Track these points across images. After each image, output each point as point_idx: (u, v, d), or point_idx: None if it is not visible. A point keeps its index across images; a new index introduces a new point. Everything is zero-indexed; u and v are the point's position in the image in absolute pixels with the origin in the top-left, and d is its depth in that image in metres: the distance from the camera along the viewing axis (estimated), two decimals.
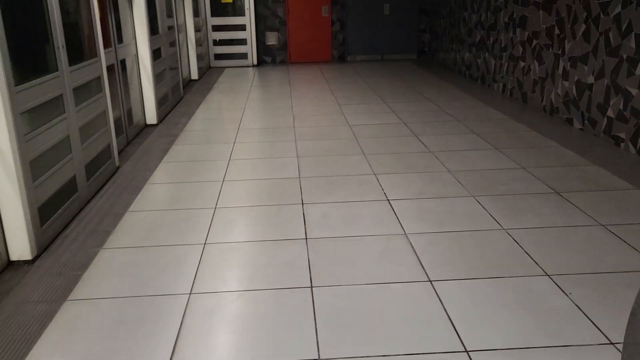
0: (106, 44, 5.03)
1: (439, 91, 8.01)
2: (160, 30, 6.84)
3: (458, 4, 9.43)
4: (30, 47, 3.37)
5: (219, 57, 11.34)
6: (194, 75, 9.63)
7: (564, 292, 2.71)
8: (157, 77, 6.53)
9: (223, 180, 4.46)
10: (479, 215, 3.64)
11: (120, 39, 5.65)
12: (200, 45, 10.25)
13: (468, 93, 7.82)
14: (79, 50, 4.15)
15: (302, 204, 3.92)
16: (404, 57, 11.70)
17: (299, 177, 4.48)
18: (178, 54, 7.86)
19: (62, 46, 3.66)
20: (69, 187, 3.69)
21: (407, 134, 5.73)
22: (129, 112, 5.80)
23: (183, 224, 3.61)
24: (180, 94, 7.89)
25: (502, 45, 7.64)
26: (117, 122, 5.30)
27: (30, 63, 3.37)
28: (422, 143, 5.38)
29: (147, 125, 6.33)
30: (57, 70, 3.59)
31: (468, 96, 7.60)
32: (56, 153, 3.53)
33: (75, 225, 3.63)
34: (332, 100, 7.57)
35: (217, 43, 11.26)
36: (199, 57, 9.92)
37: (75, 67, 3.93)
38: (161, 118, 6.57)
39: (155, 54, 6.56)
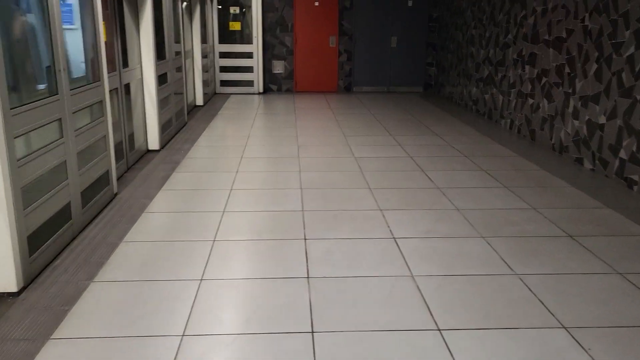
0: (111, 68, 4.95)
1: (445, 125, 7.91)
2: (167, 55, 6.79)
3: (466, 39, 9.42)
4: (30, 69, 3.27)
5: (224, 83, 11.32)
6: (199, 101, 9.58)
7: (582, 347, 2.53)
8: (162, 103, 6.44)
9: (223, 211, 4.31)
10: (490, 258, 3.47)
11: (125, 63, 5.59)
12: (207, 72, 10.23)
13: (475, 128, 7.72)
14: (82, 74, 4.06)
15: (305, 239, 3.76)
16: (410, 90, 11.67)
17: (302, 211, 4.33)
18: (184, 80, 7.80)
19: (64, 69, 3.56)
20: (63, 215, 3.55)
21: (414, 169, 5.59)
22: (131, 137, 5.70)
23: (179, 258, 3.45)
24: (184, 120, 7.80)
25: (511, 82, 7.57)
26: (118, 147, 5.19)
27: (28, 85, 3.27)
28: (429, 178, 5.24)
29: (149, 151, 6.21)
30: (57, 94, 3.48)
31: (475, 131, 7.50)
32: (51, 178, 3.40)
33: (67, 255, 3.47)
34: (338, 131, 7.47)
35: (223, 70, 11.25)
36: (205, 83, 9.89)
37: (77, 90, 3.82)
38: (163, 144, 6.46)
39: (161, 79, 6.49)
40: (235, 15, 11.18)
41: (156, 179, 5.16)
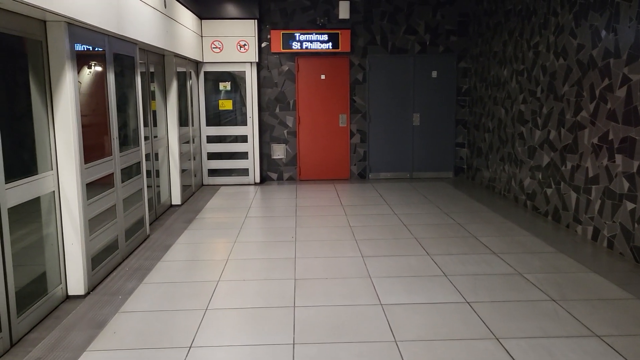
0: None
1: (499, 233, 5.78)
2: (113, 150, 4.85)
3: (512, 117, 7.46)
4: None
5: (213, 173, 9.39)
6: (176, 199, 7.57)
7: None
8: (95, 222, 4.42)
9: None
10: None
11: (28, 170, 3.64)
12: (189, 160, 8.31)
13: (542, 239, 5.57)
14: None
15: None
16: (438, 176, 9.65)
17: None
18: (144, 178, 5.82)
19: None
20: None
21: (480, 334, 3.42)
22: (35, 283, 3.63)
23: None
24: (145, 233, 5.75)
25: (590, 175, 5.50)
26: None
27: None
28: None
29: (68, 298, 4.11)
30: None
31: (547, 247, 5.34)
32: None
33: None
34: (353, 247, 5.36)
35: (212, 156, 9.35)
36: (185, 176, 7.94)
37: None
38: (94, 284, 4.36)
39: (98, 188, 4.51)
40: (226, 92, 9.41)
41: None
